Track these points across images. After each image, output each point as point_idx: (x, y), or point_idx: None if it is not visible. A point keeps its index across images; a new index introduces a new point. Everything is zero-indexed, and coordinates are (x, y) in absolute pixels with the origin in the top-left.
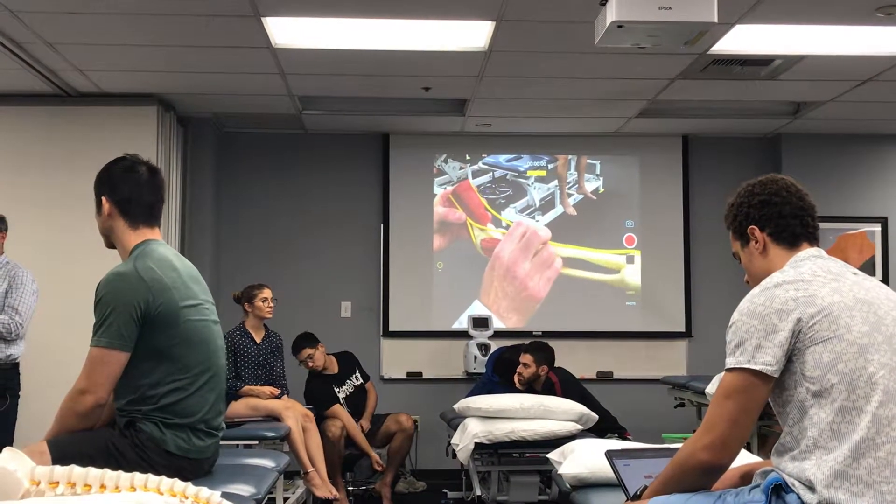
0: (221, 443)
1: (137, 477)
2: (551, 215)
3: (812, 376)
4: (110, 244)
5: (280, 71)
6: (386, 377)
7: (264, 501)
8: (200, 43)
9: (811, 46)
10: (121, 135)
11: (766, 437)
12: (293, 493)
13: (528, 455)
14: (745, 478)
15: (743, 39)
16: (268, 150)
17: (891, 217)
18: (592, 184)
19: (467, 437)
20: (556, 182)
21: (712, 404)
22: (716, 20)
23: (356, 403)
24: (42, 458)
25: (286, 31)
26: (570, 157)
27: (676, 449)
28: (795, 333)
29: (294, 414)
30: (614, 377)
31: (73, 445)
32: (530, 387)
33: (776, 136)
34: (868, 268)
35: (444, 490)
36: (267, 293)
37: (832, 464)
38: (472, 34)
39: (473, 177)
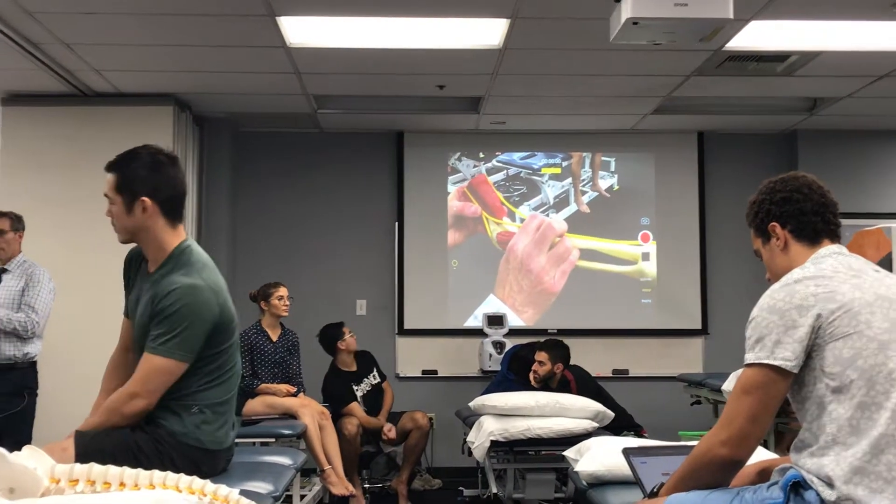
0: (238, 440)
1: (157, 475)
2: (565, 213)
3: (832, 372)
4: (131, 241)
5: (295, 70)
6: (401, 375)
7: (282, 499)
8: (216, 43)
9: (827, 42)
10: (137, 134)
11: (782, 433)
12: (310, 491)
13: (543, 452)
14: (763, 474)
15: (758, 35)
16: (283, 149)
17: None
18: (607, 181)
19: (483, 434)
20: (570, 180)
21: (731, 399)
22: (731, 16)
23: (373, 402)
24: (65, 454)
25: (301, 31)
26: (584, 154)
27: (694, 446)
28: (815, 329)
29: (310, 412)
30: (630, 374)
31: (95, 441)
32: (546, 384)
33: (792, 133)
34: (885, 264)
35: (460, 487)
36: (283, 291)
37: (851, 460)
38: (486, 32)
39: (488, 174)
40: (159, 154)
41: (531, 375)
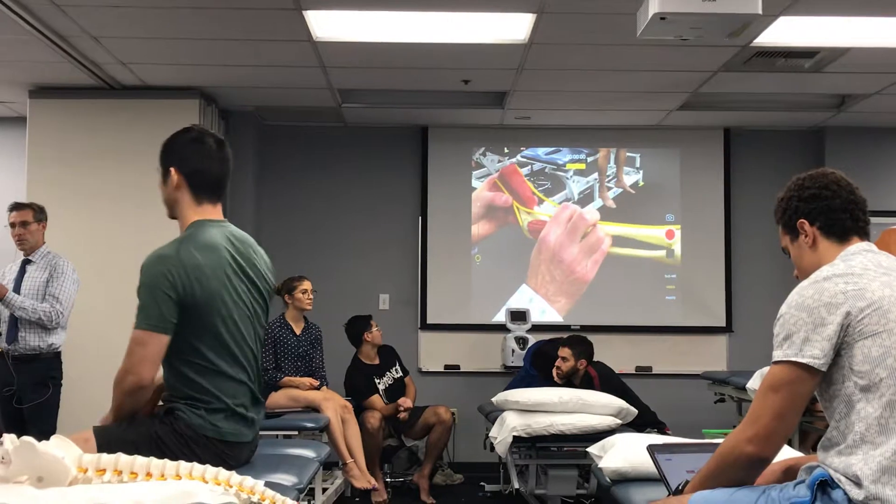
0: (261, 432)
1: (183, 465)
2: (590, 209)
3: (860, 370)
4: (173, 215)
5: (321, 64)
6: (423, 370)
7: (305, 491)
8: (243, 36)
9: (855, 38)
10: (163, 127)
11: (806, 432)
12: (332, 484)
13: (566, 449)
14: (788, 473)
15: (786, 31)
16: (307, 142)
17: None
18: (632, 177)
19: (505, 430)
20: (595, 175)
21: (757, 396)
22: (760, 12)
23: (395, 397)
24: (87, 445)
25: (327, 25)
26: (609, 150)
27: (719, 444)
28: (844, 327)
29: (333, 405)
30: (653, 372)
31: (117, 432)
32: (569, 381)
33: (819, 130)
34: None
35: (482, 483)
36: (307, 285)
37: (879, 459)
38: (512, 26)
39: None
40: (201, 132)
41: (554, 371)
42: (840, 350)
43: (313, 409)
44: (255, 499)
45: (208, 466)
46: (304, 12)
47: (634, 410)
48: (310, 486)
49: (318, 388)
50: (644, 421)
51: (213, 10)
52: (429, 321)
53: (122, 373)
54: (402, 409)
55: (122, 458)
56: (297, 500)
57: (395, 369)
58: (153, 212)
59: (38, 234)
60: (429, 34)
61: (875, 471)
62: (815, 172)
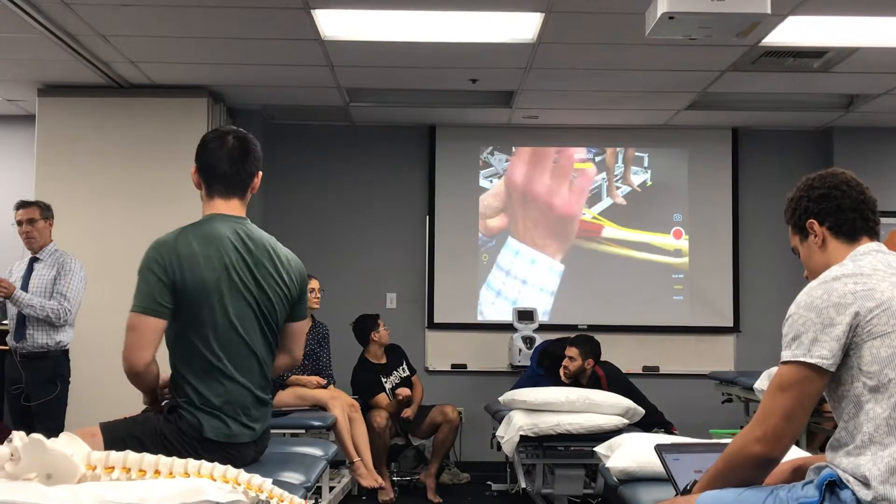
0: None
1: (191, 463)
2: (599, 207)
3: (869, 371)
4: None
5: (328, 63)
6: (430, 369)
7: (312, 490)
8: (250, 35)
9: (864, 38)
10: (172, 126)
11: (814, 433)
12: (338, 483)
13: (573, 448)
14: (797, 473)
15: (795, 31)
16: (315, 141)
17: None
18: (640, 176)
19: (512, 429)
20: (603, 174)
21: (766, 396)
22: (769, 11)
23: None
24: (94, 440)
25: (335, 24)
26: (617, 149)
27: (727, 444)
28: (853, 328)
29: (340, 404)
30: (660, 371)
31: (124, 428)
32: (576, 380)
33: (828, 130)
34: None
35: (489, 482)
36: (314, 284)
37: (888, 459)
38: (520, 26)
39: None
40: (221, 131)
41: (561, 371)
42: (849, 350)
43: (320, 407)
44: (262, 497)
45: (216, 464)
46: (312, 11)
47: (642, 410)
48: (317, 484)
49: (325, 387)
50: (651, 421)
51: (221, 9)
52: (436, 320)
53: (122, 359)
54: (400, 397)
55: (130, 456)
56: (305, 499)
57: (402, 368)
58: (161, 209)
59: (45, 232)
60: (437, 33)
61: (883, 471)
62: (825, 172)
